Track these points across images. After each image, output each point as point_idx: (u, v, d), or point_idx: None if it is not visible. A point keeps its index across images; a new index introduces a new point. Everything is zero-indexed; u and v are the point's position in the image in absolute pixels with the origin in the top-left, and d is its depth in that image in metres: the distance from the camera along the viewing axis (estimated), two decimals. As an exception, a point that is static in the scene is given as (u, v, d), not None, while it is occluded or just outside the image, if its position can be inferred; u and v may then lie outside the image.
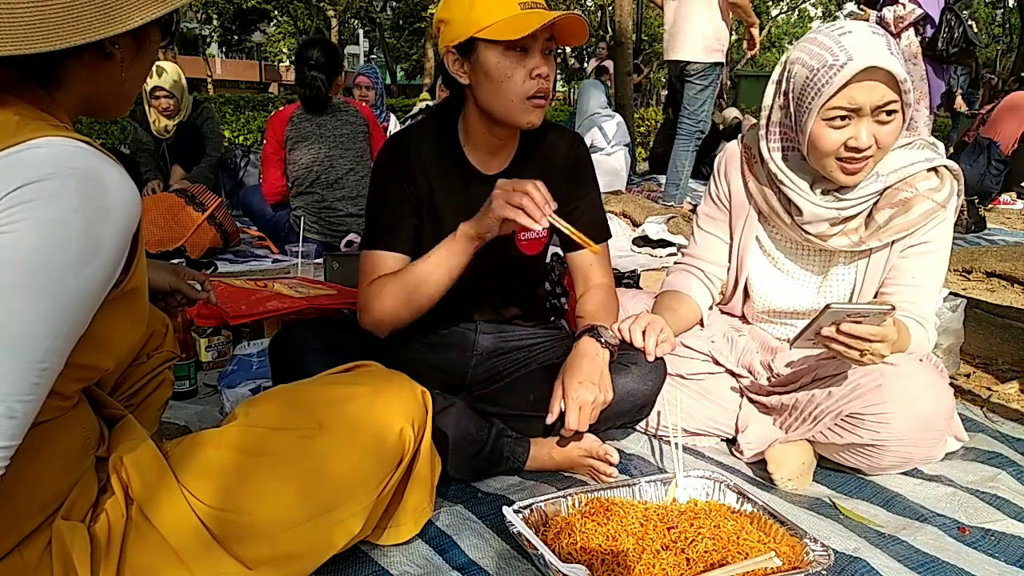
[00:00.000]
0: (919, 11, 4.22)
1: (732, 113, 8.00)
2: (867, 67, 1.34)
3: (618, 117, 6.33)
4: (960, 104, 7.56)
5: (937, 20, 4.26)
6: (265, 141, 3.78)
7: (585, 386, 1.39)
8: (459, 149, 1.57)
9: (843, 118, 1.39)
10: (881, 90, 1.36)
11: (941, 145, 1.58)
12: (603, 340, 1.46)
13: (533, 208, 1.30)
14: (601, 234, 1.67)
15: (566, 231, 1.37)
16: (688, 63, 4.75)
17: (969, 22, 4.27)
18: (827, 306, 1.29)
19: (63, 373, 0.81)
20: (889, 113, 1.38)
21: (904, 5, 4.23)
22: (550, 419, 1.40)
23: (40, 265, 0.74)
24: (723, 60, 4.80)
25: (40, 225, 0.74)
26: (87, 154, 0.79)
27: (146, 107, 4.15)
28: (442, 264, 1.45)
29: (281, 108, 3.83)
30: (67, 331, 0.78)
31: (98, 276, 0.79)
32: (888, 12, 4.28)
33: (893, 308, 1.30)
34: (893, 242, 1.53)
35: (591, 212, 1.66)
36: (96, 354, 0.89)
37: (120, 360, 1.10)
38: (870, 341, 1.30)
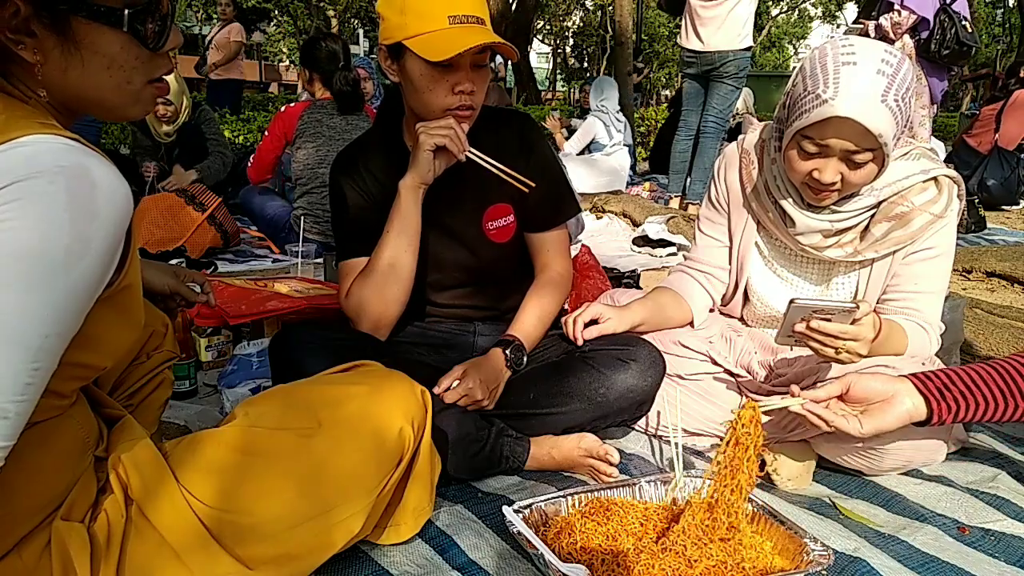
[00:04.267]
0: (915, 17, 4.25)
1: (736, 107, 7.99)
2: (844, 117, 1.30)
3: (624, 120, 6.36)
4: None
5: (932, 22, 4.27)
6: (267, 133, 3.75)
7: (483, 388, 1.44)
8: (405, 148, 1.57)
9: (812, 152, 1.39)
10: (854, 140, 1.33)
11: (940, 148, 1.58)
12: (509, 360, 1.52)
13: (457, 140, 1.42)
14: (565, 210, 1.68)
15: (493, 169, 1.45)
16: (724, 53, 4.69)
17: (963, 22, 4.26)
18: (791, 301, 1.32)
19: (59, 372, 0.81)
20: (860, 160, 1.36)
21: (899, 12, 4.25)
22: (437, 390, 1.41)
23: (29, 265, 0.73)
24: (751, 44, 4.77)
25: (28, 224, 0.73)
26: (76, 152, 0.78)
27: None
28: (402, 231, 1.48)
29: (291, 104, 3.78)
30: (59, 330, 0.78)
31: (89, 275, 0.78)
32: (885, 20, 4.30)
33: (858, 306, 1.32)
34: (894, 252, 1.53)
35: (552, 188, 1.65)
36: (92, 353, 0.88)
37: (119, 359, 1.09)
38: (842, 339, 1.32)
